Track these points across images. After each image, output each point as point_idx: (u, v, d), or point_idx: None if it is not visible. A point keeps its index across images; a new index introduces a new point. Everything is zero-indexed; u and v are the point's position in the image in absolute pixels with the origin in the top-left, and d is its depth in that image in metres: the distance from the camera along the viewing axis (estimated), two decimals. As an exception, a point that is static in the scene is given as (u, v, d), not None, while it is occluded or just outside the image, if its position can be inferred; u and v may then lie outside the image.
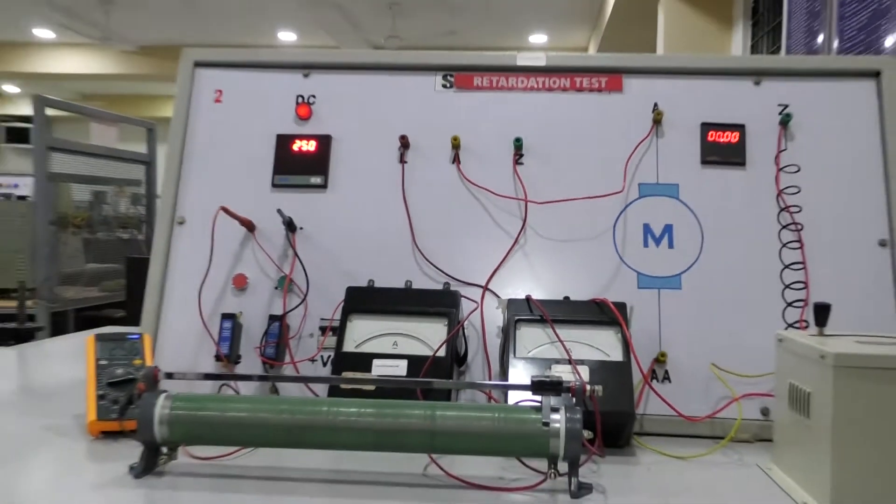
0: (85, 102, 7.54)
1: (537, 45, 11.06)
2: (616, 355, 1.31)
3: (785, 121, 1.53)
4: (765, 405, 1.34)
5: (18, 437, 1.28)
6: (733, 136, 1.53)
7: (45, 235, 3.98)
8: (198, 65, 1.68)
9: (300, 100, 1.64)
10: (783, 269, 1.45)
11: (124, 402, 1.26)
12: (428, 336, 1.37)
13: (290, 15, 9.93)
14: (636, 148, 1.54)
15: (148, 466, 1.10)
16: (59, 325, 4.04)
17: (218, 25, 10.36)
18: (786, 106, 1.54)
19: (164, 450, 1.12)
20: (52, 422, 1.36)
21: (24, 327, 3.88)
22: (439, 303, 1.42)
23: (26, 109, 14.95)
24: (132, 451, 1.12)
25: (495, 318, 1.43)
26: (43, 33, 11.38)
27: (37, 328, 3.91)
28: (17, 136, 15.39)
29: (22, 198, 4.90)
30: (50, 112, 3.96)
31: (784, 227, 1.47)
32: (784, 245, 1.46)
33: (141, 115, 7.41)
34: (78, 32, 10.67)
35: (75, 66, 12.24)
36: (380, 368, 1.33)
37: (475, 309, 1.44)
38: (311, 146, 1.60)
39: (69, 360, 1.99)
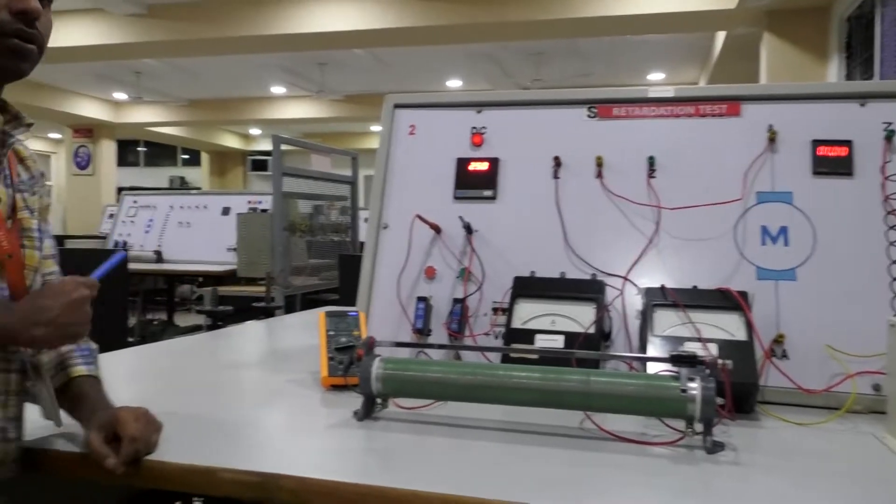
0: (306, 139, 7.94)
1: (655, 81, 10.64)
2: (740, 335, 1.22)
3: (889, 136, 1.38)
4: (876, 382, 1.21)
5: (270, 388, 1.36)
6: (842, 151, 1.40)
7: (280, 238, 4.18)
8: (397, 106, 1.71)
9: (474, 130, 1.64)
10: (891, 264, 1.31)
11: (347, 363, 1.30)
12: (579, 316, 1.33)
13: (457, 66, 10.04)
14: (753, 162, 1.43)
15: (367, 412, 1.13)
16: (290, 305, 4.24)
17: (402, 77, 10.61)
18: (889, 123, 1.39)
19: (379, 400, 1.15)
20: (293, 377, 1.42)
21: (270, 306, 4.12)
22: (588, 290, 1.38)
23: (266, 146, 15.95)
24: (354, 400, 1.16)
25: (634, 303, 1.37)
26: (277, 90, 12.06)
27: (277, 307, 4.14)
28: (259, 165, 16.42)
29: (264, 211, 5.19)
30: (283, 147, 4.17)
31: (891, 227, 1.33)
32: (891, 243, 1.32)
33: (346, 147, 7.73)
34: (301, 88, 11.25)
35: (299, 113, 12.88)
36: (541, 341, 1.31)
37: (618, 295, 1.39)
38: (483, 166, 1.59)
39: (300, 330, 2.08)
